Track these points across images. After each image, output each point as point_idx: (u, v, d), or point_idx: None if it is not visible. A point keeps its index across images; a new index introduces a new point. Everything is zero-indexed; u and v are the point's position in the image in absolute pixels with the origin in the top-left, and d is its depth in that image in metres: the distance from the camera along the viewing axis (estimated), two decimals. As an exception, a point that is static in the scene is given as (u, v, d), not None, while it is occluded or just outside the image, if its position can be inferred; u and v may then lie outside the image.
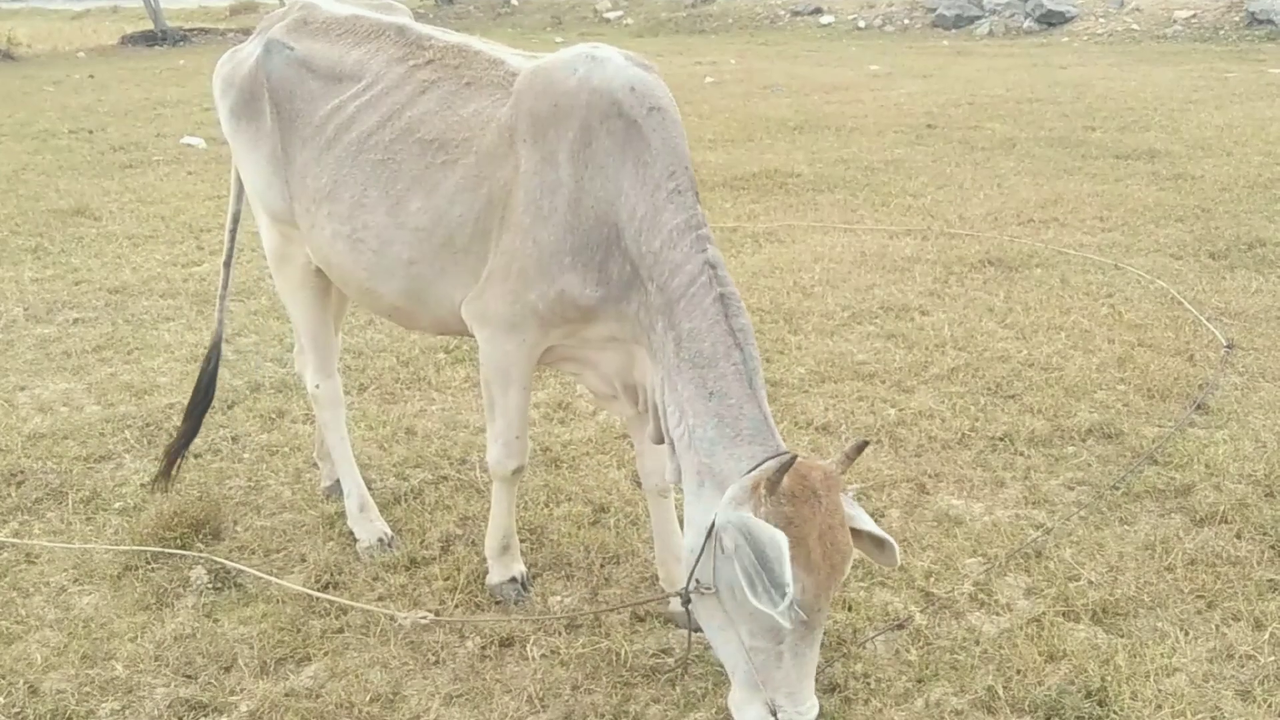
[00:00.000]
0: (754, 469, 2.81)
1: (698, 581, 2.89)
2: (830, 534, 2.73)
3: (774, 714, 2.81)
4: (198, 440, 4.97)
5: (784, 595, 2.58)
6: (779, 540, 2.61)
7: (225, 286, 4.40)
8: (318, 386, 4.19)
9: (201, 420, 4.41)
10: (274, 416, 5.23)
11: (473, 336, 3.53)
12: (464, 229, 3.36)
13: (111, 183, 10.53)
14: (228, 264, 4.41)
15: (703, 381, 2.97)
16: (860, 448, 2.86)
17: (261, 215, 4.02)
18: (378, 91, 3.56)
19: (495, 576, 3.80)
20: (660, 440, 3.23)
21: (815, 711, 2.83)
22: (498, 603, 3.75)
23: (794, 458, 2.70)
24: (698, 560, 2.89)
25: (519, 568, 3.83)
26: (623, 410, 3.56)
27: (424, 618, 3.58)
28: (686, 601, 2.98)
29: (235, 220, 4.31)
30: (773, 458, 2.81)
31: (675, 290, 3.03)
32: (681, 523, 3.20)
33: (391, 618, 3.60)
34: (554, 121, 3.19)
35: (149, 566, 3.97)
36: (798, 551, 2.65)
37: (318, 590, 3.80)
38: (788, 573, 2.58)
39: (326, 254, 3.71)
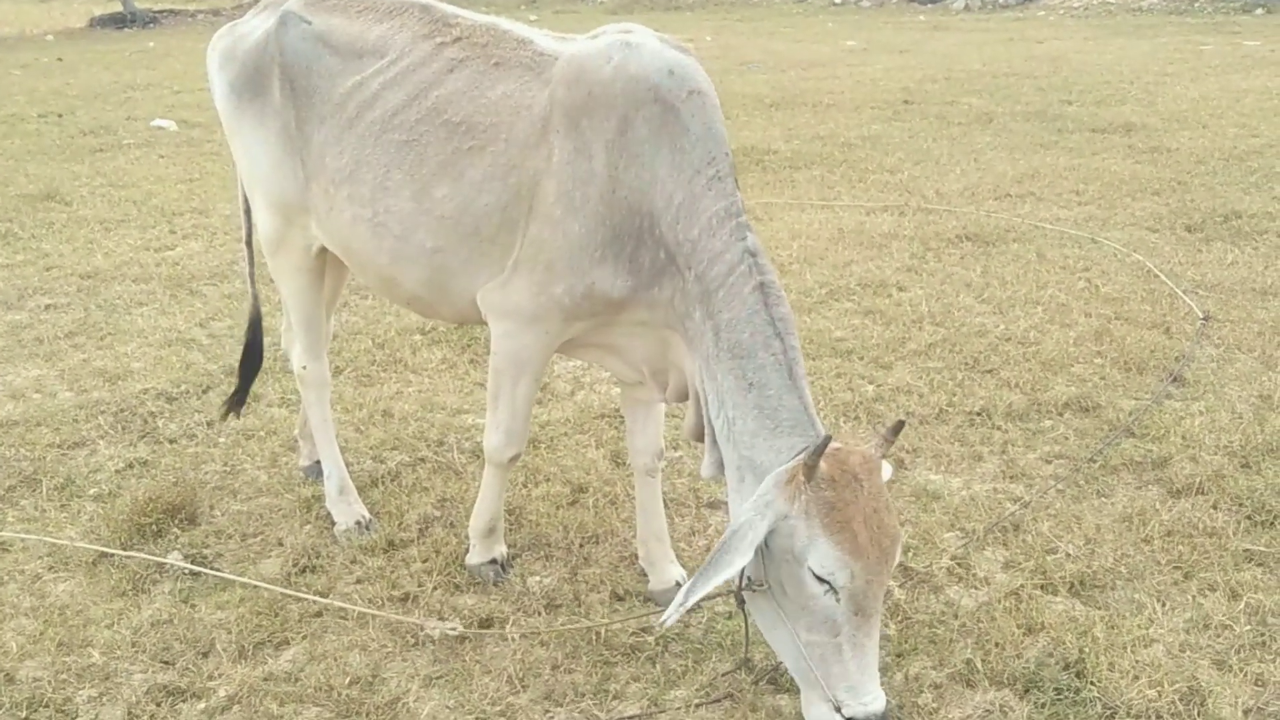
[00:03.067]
0: (792, 460, 2.76)
1: (749, 579, 2.85)
2: (876, 518, 2.67)
3: (838, 710, 2.70)
4: (173, 425, 4.96)
5: (678, 610, 2.59)
6: (724, 569, 2.58)
7: (252, 263, 4.27)
8: (305, 368, 4.11)
9: (250, 382, 4.48)
10: (250, 401, 5.13)
11: (477, 323, 3.48)
12: (491, 218, 3.27)
13: (82, 167, 10.42)
14: (248, 243, 4.24)
15: (742, 373, 2.91)
16: (898, 428, 2.81)
17: (259, 198, 3.87)
18: (403, 68, 3.44)
19: (476, 557, 3.79)
20: (698, 436, 3.17)
21: (881, 703, 2.70)
22: (476, 583, 3.74)
23: (828, 439, 2.64)
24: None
25: (500, 549, 3.82)
26: (650, 396, 3.50)
27: (453, 629, 3.45)
28: (741, 602, 2.93)
29: (247, 200, 4.15)
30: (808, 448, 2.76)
31: (714, 279, 2.97)
32: (667, 504, 3.20)
33: (420, 628, 3.49)
34: (588, 111, 3.10)
35: (125, 553, 3.93)
36: (843, 538, 2.61)
37: (342, 599, 3.77)
38: (694, 599, 2.58)
39: (346, 238, 3.58)
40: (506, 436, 3.53)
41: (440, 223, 3.34)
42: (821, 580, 2.64)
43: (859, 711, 2.68)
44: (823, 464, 2.65)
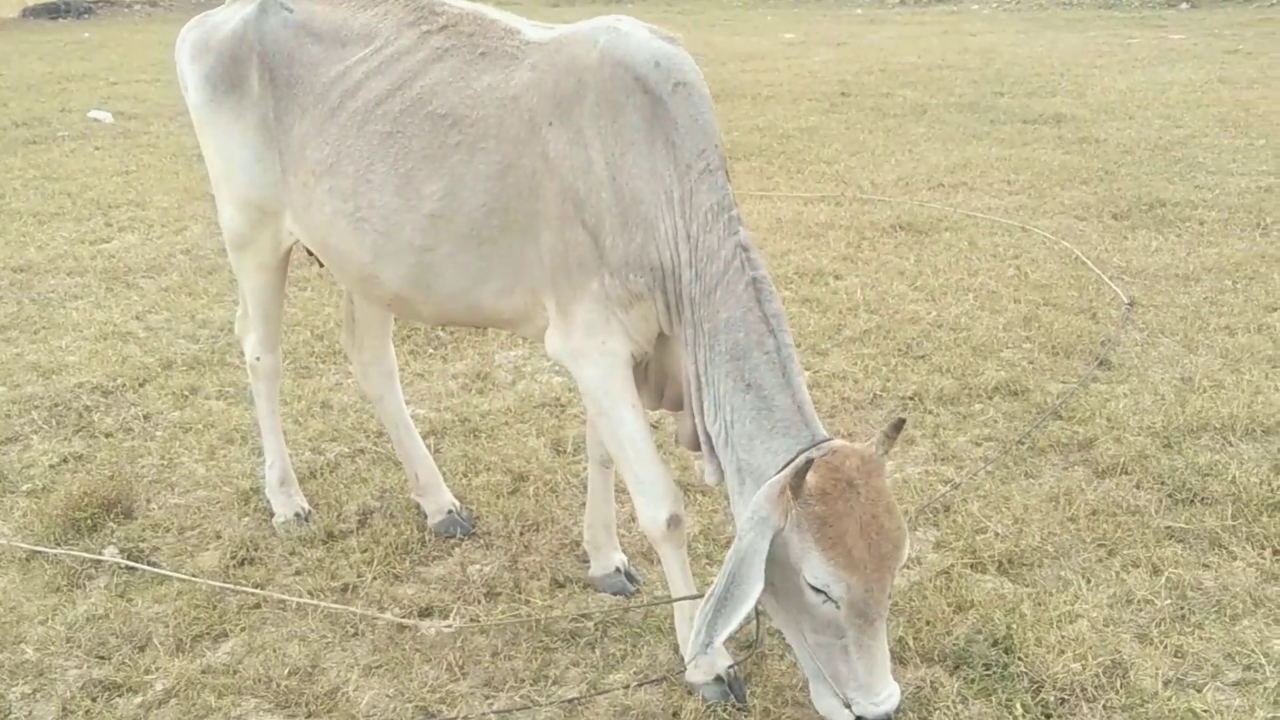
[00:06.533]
0: (784, 468, 2.73)
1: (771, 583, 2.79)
2: (874, 523, 2.62)
3: (848, 706, 2.71)
4: (108, 419, 4.92)
5: (704, 650, 2.55)
6: (745, 602, 2.54)
7: None
8: (259, 359, 4.02)
9: None
10: (187, 394, 5.15)
11: (465, 326, 3.37)
12: (490, 221, 3.14)
13: (14, 159, 10.23)
14: None
15: (739, 374, 2.86)
16: (898, 426, 2.75)
17: (228, 194, 3.73)
18: (387, 56, 3.33)
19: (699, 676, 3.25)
20: (693, 444, 3.13)
21: (894, 700, 2.70)
22: (414, 574, 3.75)
23: (809, 462, 2.60)
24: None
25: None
26: (646, 403, 3.32)
27: (449, 625, 3.38)
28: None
29: None
30: (803, 451, 2.73)
31: (712, 277, 2.90)
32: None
33: (415, 628, 3.42)
34: (579, 98, 3.01)
35: (59, 548, 3.89)
36: (835, 553, 2.58)
37: (282, 591, 3.75)
38: (722, 635, 2.54)
39: (324, 234, 3.44)
40: (651, 492, 3.13)
41: (430, 221, 3.21)
42: (818, 591, 2.63)
43: (870, 711, 2.68)
44: (812, 476, 2.61)
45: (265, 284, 3.88)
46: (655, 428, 4.72)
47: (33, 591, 3.69)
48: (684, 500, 3.33)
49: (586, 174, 3.01)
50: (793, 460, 2.72)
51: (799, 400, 2.84)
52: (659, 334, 3.17)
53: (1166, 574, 3.63)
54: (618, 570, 3.72)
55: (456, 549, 3.91)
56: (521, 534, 4.00)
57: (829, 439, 2.78)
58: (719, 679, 3.18)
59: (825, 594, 2.62)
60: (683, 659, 3.26)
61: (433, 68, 3.28)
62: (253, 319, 3.99)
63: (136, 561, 3.83)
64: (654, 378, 3.30)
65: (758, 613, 3.17)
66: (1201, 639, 3.34)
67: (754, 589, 2.56)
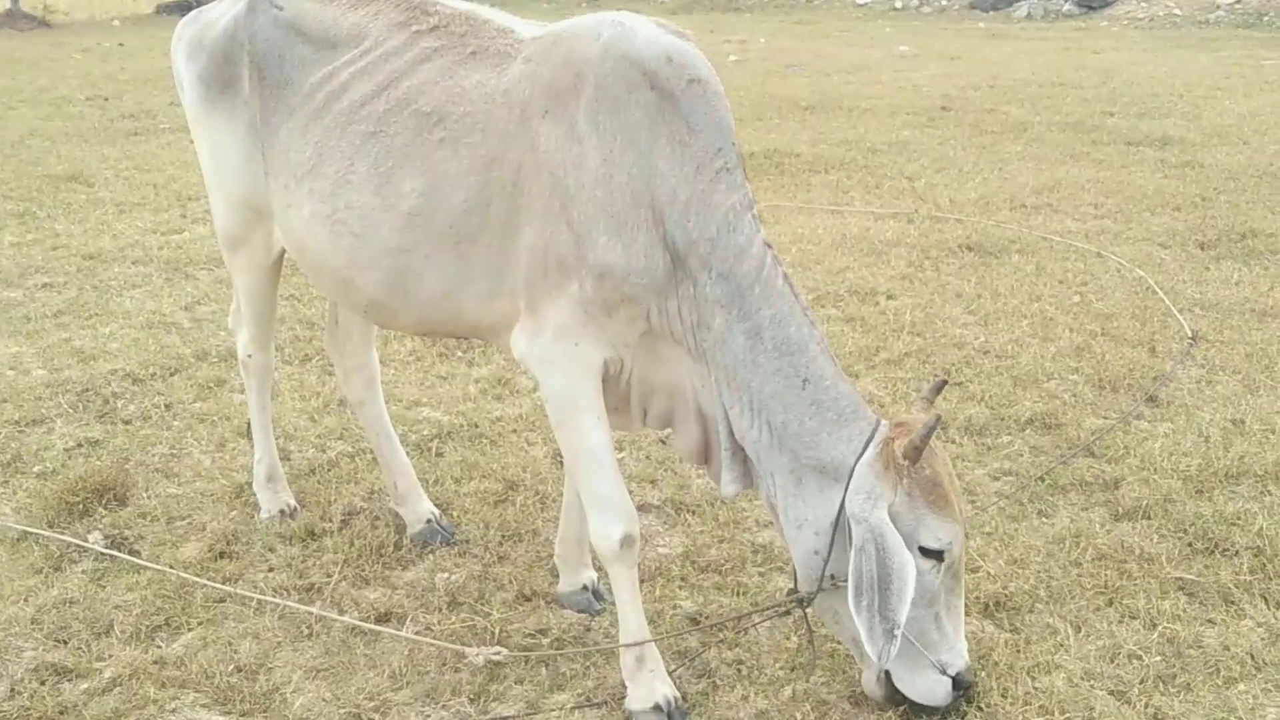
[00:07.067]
0: (864, 448, 2.81)
1: (833, 577, 2.86)
2: (952, 480, 2.86)
3: (944, 673, 2.87)
4: (131, 406, 5.01)
5: (892, 638, 2.65)
6: (908, 573, 2.66)
7: None
8: (250, 356, 4.04)
9: None
10: (212, 385, 5.22)
11: (446, 336, 3.33)
12: (471, 217, 3.05)
13: (113, 150, 10.59)
14: None
15: (794, 370, 2.84)
16: (939, 387, 3.01)
17: (221, 196, 3.75)
18: (375, 58, 3.26)
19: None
20: (703, 458, 3.10)
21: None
22: (381, 578, 3.72)
23: (938, 418, 2.77)
24: (829, 559, 2.86)
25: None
26: (622, 425, 3.25)
27: (497, 653, 3.20)
28: (806, 605, 2.99)
29: None
30: (874, 429, 2.86)
31: (746, 276, 2.84)
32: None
33: (461, 654, 3.26)
34: (576, 92, 2.92)
35: (51, 530, 3.96)
36: (950, 510, 2.78)
37: (249, 587, 3.76)
38: (904, 613, 2.65)
39: (302, 237, 3.39)
40: (606, 508, 3.06)
41: (407, 220, 3.13)
42: (930, 556, 2.77)
43: (961, 666, 2.89)
44: (906, 443, 2.76)
45: (258, 284, 3.87)
46: (630, 444, 4.62)
47: (17, 572, 3.76)
48: (640, 523, 3.22)
49: (578, 170, 2.91)
50: (871, 438, 2.82)
51: (851, 387, 2.92)
52: (646, 345, 3.07)
53: (1162, 628, 3.38)
54: (585, 588, 3.62)
55: (431, 555, 3.86)
56: (500, 544, 3.94)
57: (940, 417, 2.86)
58: (657, 707, 3.06)
59: (939, 557, 2.77)
60: (624, 685, 3.15)
61: (421, 68, 3.22)
62: (245, 317, 3.99)
63: (119, 549, 3.87)
64: (637, 392, 3.17)
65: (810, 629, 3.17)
66: (1186, 701, 3.10)
67: (907, 558, 2.68)
